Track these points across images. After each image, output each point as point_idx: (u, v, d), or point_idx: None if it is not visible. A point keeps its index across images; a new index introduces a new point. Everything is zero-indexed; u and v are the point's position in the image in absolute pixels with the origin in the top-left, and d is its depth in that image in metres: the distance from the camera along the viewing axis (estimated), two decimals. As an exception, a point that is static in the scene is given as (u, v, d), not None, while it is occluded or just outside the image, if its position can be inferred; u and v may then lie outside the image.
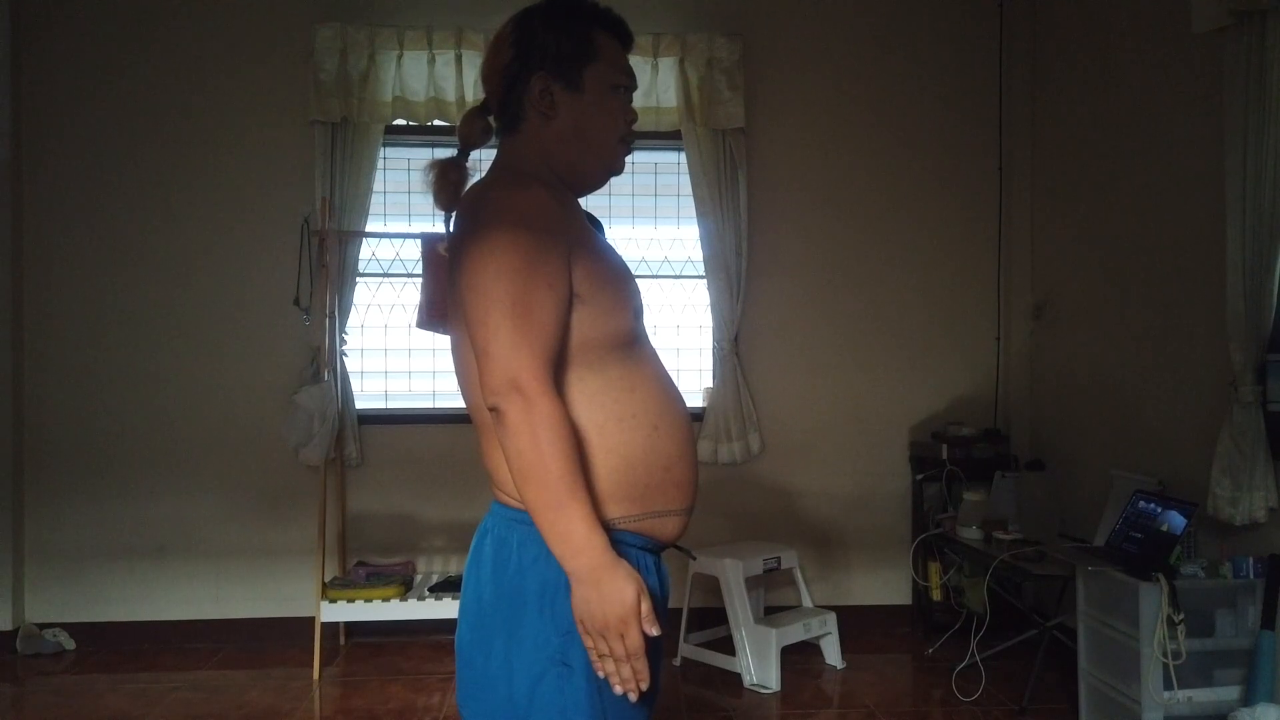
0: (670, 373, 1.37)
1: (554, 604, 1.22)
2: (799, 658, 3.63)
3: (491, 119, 1.40)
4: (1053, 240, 4.03)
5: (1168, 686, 2.57)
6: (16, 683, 3.50)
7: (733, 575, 3.50)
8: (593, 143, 1.37)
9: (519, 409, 1.14)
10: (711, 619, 3.80)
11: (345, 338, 3.90)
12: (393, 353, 4.11)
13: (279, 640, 3.87)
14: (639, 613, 1.15)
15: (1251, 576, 2.68)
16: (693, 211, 4.04)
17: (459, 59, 3.89)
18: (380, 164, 3.99)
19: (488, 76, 1.38)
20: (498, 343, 1.16)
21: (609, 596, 1.14)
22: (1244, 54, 2.71)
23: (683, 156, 4.07)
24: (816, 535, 4.15)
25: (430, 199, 1.38)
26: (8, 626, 3.78)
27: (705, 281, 4.07)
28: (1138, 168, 3.43)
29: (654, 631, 1.17)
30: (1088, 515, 3.55)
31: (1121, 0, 3.53)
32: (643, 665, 1.17)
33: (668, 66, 3.98)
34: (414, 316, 3.62)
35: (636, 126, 1.43)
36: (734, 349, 4.05)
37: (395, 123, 3.97)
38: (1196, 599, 2.67)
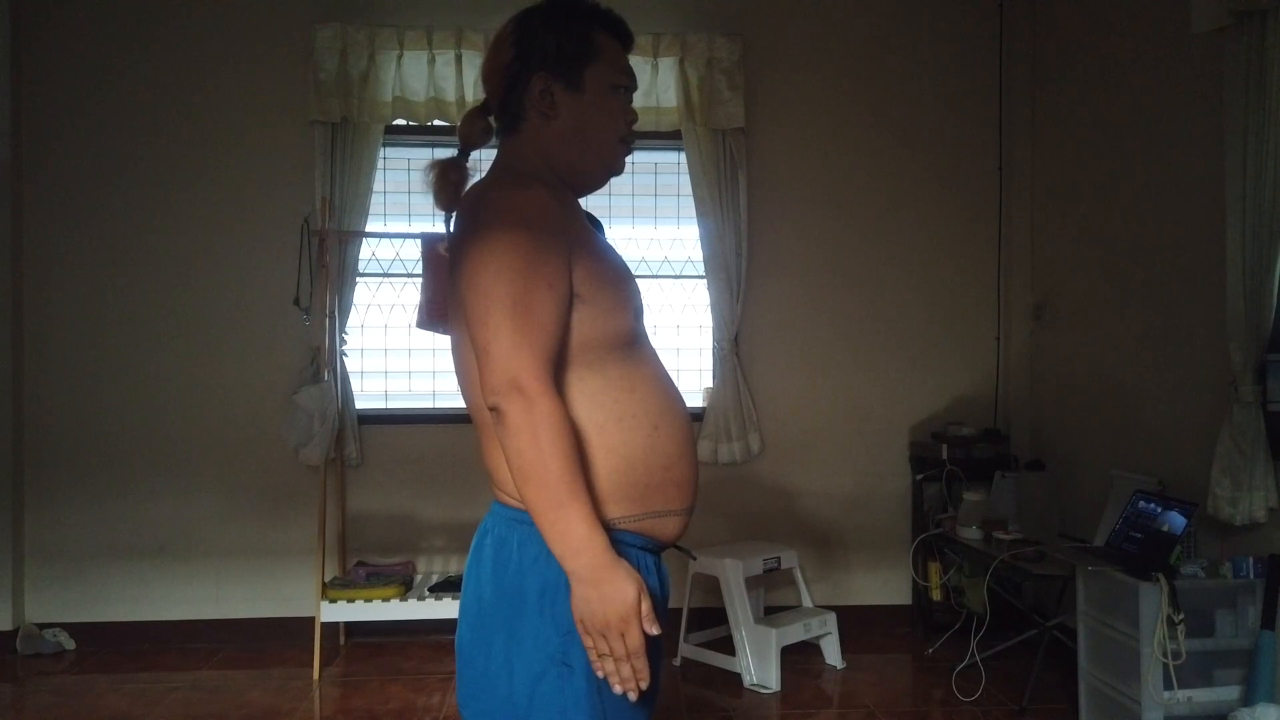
0: (670, 373, 1.37)
1: (554, 604, 1.22)
2: (799, 658, 3.63)
3: (492, 119, 1.40)
4: (1053, 240, 4.03)
5: (1168, 686, 2.57)
6: (16, 683, 3.50)
7: (733, 575, 3.50)
8: (593, 143, 1.37)
9: (519, 409, 1.15)
10: (711, 619, 3.80)
11: (345, 338, 3.90)
12: (393, 353, 4.11)
13: (279, 640, 3.87)
14: (639, 612, 1.15)
15: (1251, 576, 2.68)
16: (693, 211, 4.04)
17: (459, 59, 3.89)
18: (380, 164, 3.99)
19: (488, 76, 1.38)
20: (498, 342, 1.16)
21: (609, 596, 1.14)
22: (1244, 54, 2.71)
23: (683, 156, 4.07)
24: (816, 535, 4.15)
25: (430, 199, 1.38)
26: (8, 626, 3.78)
27: (705, 281, 4.07)
28: (1138, 168, 3.43)
29: (654, 631, 1.17)
30: (1088, 515, 3.55)
31: (1121, 0, 3.53)
32: (643, 664, 1.17)
33: (668, 66, 3.98)
34: (414, 316, 3.62)
35: (636, 126, 1.43)
36: (734, 349, 4.05)
37: (395, 123, 3.97)
38: (1196, 599, 2.67)
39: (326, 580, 3.59)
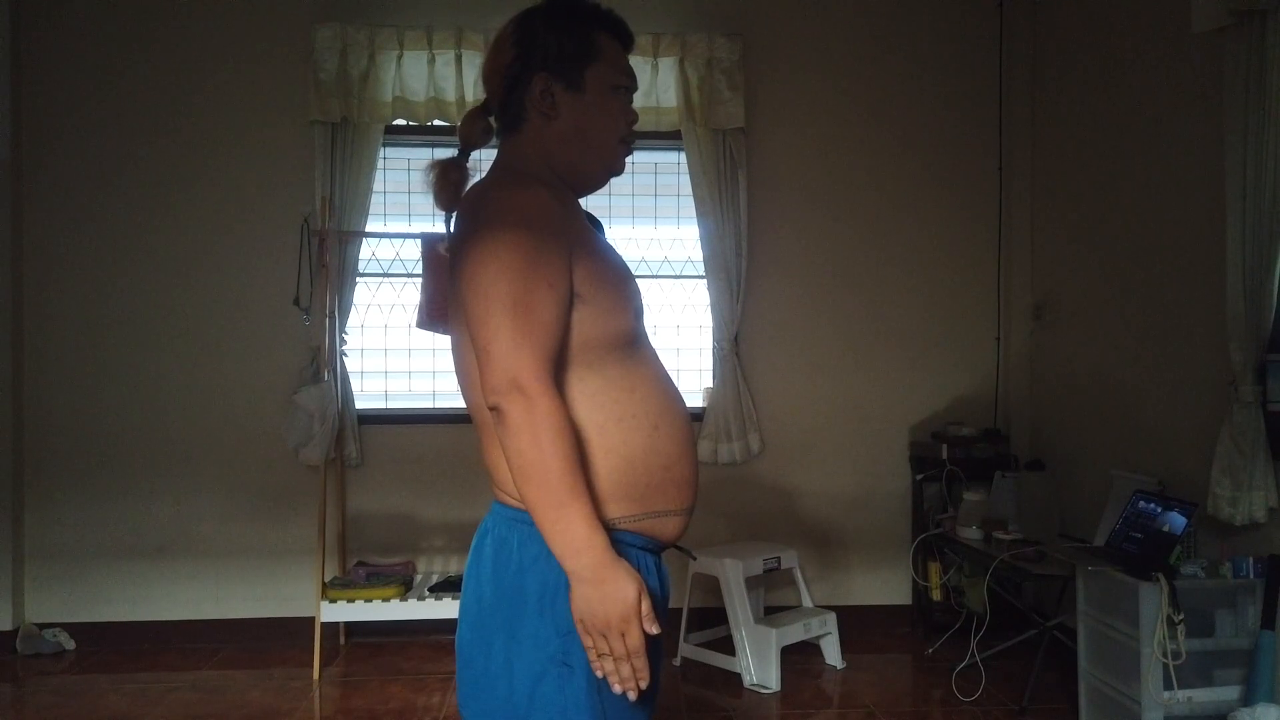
0: (670, 373, 1.37)
1: (554, 604, 1.22)
2: (799, 658, 3.63)
3: (492, 119, 1.40)
4: (1053, 240, 4.03)
5: (1168, 686, 2.57)
6: (16, 683, 3.50)
7: (733, 575, 3.50)
8: (593, 143, 1.37)
9: (520, 408, 1.15)
10: (711, 619, 3.80)
11: (345, 338, 3.90)
12: (393, 353, 4.11)
13: (279, 640, 3.87)
14: (640, 611, 1.15)
15: (1251, 576, 2.68)
16: (693, 211, 4.04)
17: (459, 59, 3.89)
18: (380, 164, 3.99)
19: (489, 77, 1.38)
20: (499, 342, 1.16)
21: (610, 595, 1.14)
22: (1244, 54, 2.71)
23: (683, 156, 4.07)
24: (816, 535, 4.15)
25: (431, 199, 1.38)
26: (8, 626, 3.78)
27: (705, 281, 4.07)
28: (1138, 168, 3.43)
29: (654, 630, 1.18)
30: (1088, 515, 3.55)
31: (1121, 0, 3.53)
32: (643, 663, 1.17)
33: (668, 66, 3.98)
34: (414, 316, 3.62)
35: (636, 126, 1.43)
36: (734, 349, 4.05)
37: (395, 123, 3.97)
38: (1196, 599, 2.67)
39: (326, 580, 3.59)
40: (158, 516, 3.91)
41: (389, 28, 3.86)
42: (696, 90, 3.97)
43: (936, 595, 3.92)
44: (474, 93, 3.86)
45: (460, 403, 1.38)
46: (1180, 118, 3.19)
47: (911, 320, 4.20)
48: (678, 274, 4.23)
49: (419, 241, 3.69)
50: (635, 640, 1.15)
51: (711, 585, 3.63)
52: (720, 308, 4.03)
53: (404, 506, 4.01)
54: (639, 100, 3.43)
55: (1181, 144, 3.18)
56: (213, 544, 3.94)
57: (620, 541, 1.22)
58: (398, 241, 4.06)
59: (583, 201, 1.44)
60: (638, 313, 1.33)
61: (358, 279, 3.94)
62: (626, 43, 1.41)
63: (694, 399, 4.11)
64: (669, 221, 4.22)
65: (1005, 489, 3.74)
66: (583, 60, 1.34)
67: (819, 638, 3.66)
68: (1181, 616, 2.56)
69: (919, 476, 4.02)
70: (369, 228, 3.97)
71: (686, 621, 3.73)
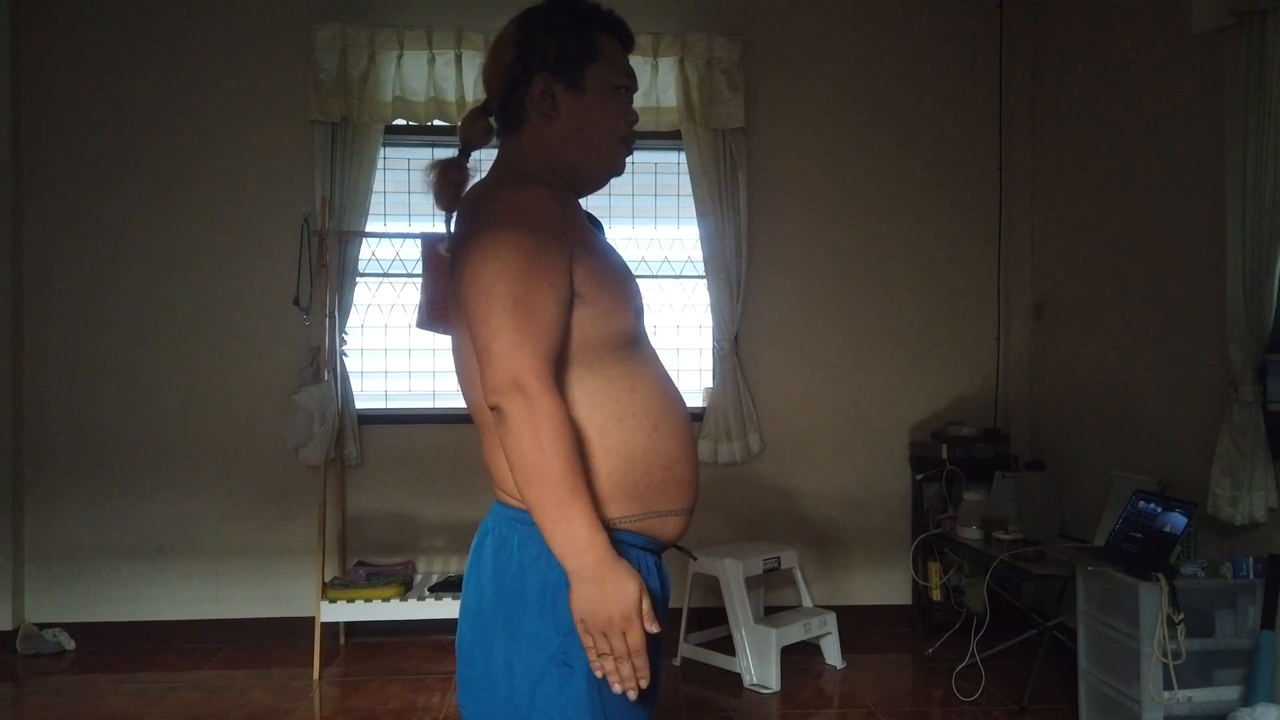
0: (670, 373, 1.37)
1: (555, 604, 1.22)
2: (799, 658, 3.63)
3: (493, 119, 1.40)
4: (1053, 240, 4.03)
5: (1168, 686, 2.57)
6: (16, 683, 3.50)
7: (733, 575, 3.50)
8: (594, 143, 1.37)
9: (521, 408, 1.15)
10: (711, 619, 3.80)
11: (345, 338, 3.90)
12: (393, 353, 4.11)
13: (279, 640, 3.87)
14: (641, 610, 1.16)
15: (1251, 576, 2.68)
16: (693, 211, 4.04)
17: (459, 59, 3.89)
18: (380, 164, 3.99)
19: (489, 77, 1.38)
20: (499, 342, 1.16)
21: (611, 594, 1.14)
22: (1244, 54, 2.71)
23: (683, 156, 4.07)
24: (816, 535, 4.15)
25: (431, 199, 1.38)
26: (8, 626, 3.78)
27: (705, 281, 4.07)
28: (1138, 168, 3.43)
29: (654, 629, 1.18)
30: (1088, 515, 3.55)
31: (1121, 0, 3.53)
32: (644, 662, 1.17)
33: (668, 66, 3.98)
34: (414, 316, 3.62)
35: (637, 127, 1.43)
36: (734, 349, 4.05)
37: (395, 123, 3.97)
38: (1196, 599, 2.67)
39: (326, 580, 3.59)
40: (158, 516, 3.91)
41: (389, 28, 3.86)
42: (696, 90, 3.97)
43: (936, 595, 3.92)
44: (474, 93, 3.86)
45: (460, 403, 1.38)
46: (1180, 118, 3.19)
47: (911, 320, 4.20)
48: (678, 274, 4.23)
49: (419, 241, 3.69)
50: (636, 639, 1.16)
51: (711, 585, 3.63)
52: (720, 308, 4.03)
53: (404, 506, 4.01)
54: (639, 100, 3.43)
55: (1181, 144, 3.18)
56: (213, 544, 3.94)
57: (620, 541, 1.22)
58: (398, 241, 4.06)
59: (583, 201, 1.44)
60: (638, 313, 1.33)
61: (358, 279, 3.94)
62: (627, 43, 1.41)
63: (694, 399, 4.11)
64: (669, 221, 4.22)
65: (1005, 489, 3.74)
66: (583, 60, 1.34)
67: (819, 638, 3.66)
68: (1181, 616, 2.56)
69: (919, 476, 4.02)
70: (369, 228, 3.97)
71: (686, 621, 3.73)
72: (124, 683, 3.47)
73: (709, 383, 4.14)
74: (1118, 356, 3.55)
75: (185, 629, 3.91)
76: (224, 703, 3.27)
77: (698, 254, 4.11)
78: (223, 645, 3.87)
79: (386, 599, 3.48)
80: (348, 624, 3.94)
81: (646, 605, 1.16)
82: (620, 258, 1.37)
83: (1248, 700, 2.60)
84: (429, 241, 3.53)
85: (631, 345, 1.30)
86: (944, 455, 3.89)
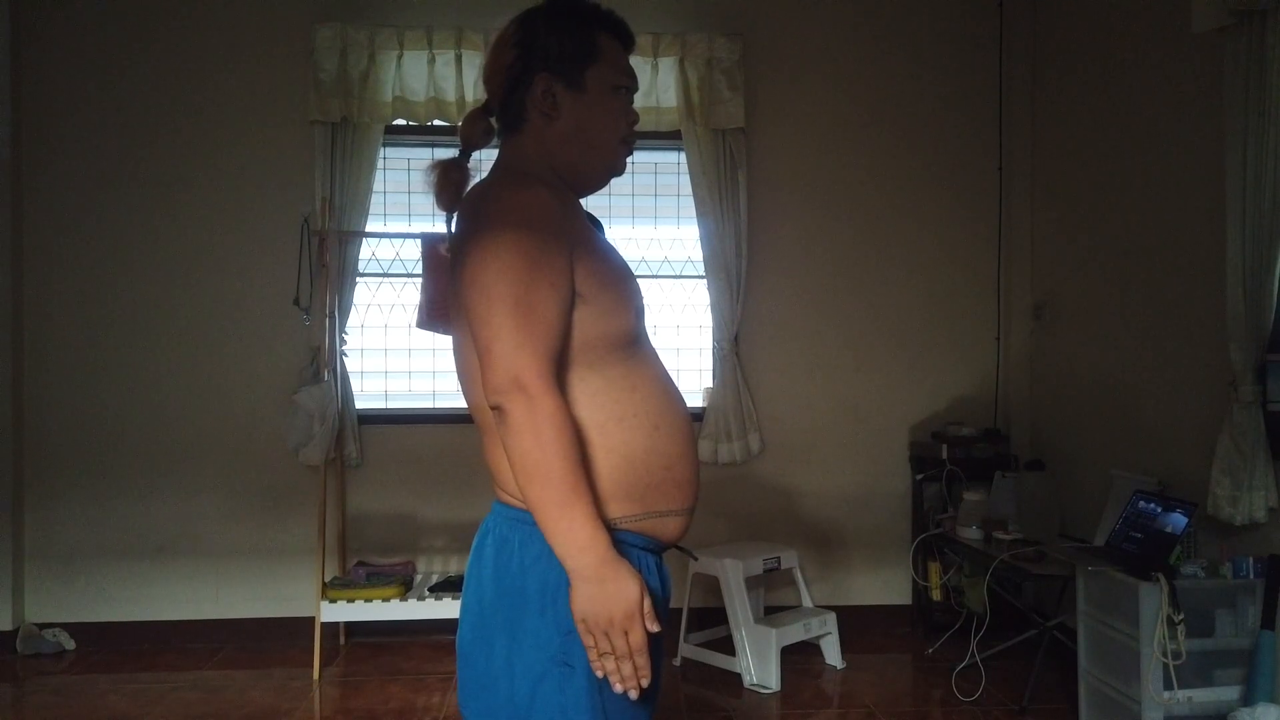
0: (670, 373, 1.37)
1: (555, 604, 1.22)
2: (799, 658, 3.63)
3: (493, 120, 1.40)
4: (1053, 240, 4.03)
5: (1168, 686, 2.57)
6: (16, 683, 3.50)
7: (733, 575, 3.50)
8: (594, 143, 1.37)
9: (522, 408, 1.15)
10: (711, 619, 3.80)
11: (345, 338, 3.90)
12: (393, 353, 4.11)
13: (279, 640, 3.87)
14: (642, 609, 1.16)
15: (1251, 576, 2.68)
16: (693, 211, 4.04)
17: (459, 59, 3.89)
18: (380, 164, 3.99)
19: (490, 77, 1.38)
20: (501, 342, 1.16)
21: (613, 594, 1.14)
22: (1244, 54, 2.71)
23: (683, 156, 4.07)
24: (816, 535, 4.15)
25: (431, 199, 1.38)
26: (8, 626, 3.78)
27: (705, 281, 4.07)
28: (1138, 168, 3.43)
29: (655, 628, 1.18)
30: (1088, 515, 3.55)
31: (1121, 0, 3.53)
32: (645, 662, 1.17)
33: (668, 66, 3.98)
34: (414, 316, 3.62)
35: (637, 127, 1.43)
36: (734, 349, 4.05)
37: (395, 123, 3.97)
38: (1196, 599, 2.67)
39: (326, 580, 3.59)
40: (158, 516, 3.91)
41: (389, 28, 3.86)
42: (696, 90, 3.97)
43: (936, 595, 3.92)
44: (474, 93, 3.86)
45: (460, 403, 1.38)
46: (1180, 118, 3.19)
47: (911, 320, 4.20)
48: (678, 274, 4.23)
49: (419, 241, 3.69)
50: (638, 639, 1.16)
51: (711, 585, 3.63)
52: (720, 308, 4.03)
53: (404, 506, 4.01)
54: (639, 100, 3.42)
55: (1181, 144, 3.18)
56: (213, 544, 3.94)
57: (621, 541, 1.23)
58: (398, 241, 4.06)
59: (583, 201, 1.44)
60: (638, 312, 1.33)
61: (358, 279, 3.94)
62: (627, 43, 1.41)
63: (694, 399, 4.11)
64: (669, 221, 4.22)
65: (1005, 489, 3.74)
66: (584, 60, 1.34)
67: (819, 638, 3.66)
68: (1181, 616, 2.56)
69: (919, 476, 4.02)
70: (369, 228, 3.97)
71: (686, 621, 3.73)
72: (124, 683, 3.47)
73: (709, 383, 4.14)
74: (1118, 356, 3.55)
75: (185, 629, 3.91)
76: (224, 703, 3.27)
77: (698, 254, 4.11)
78: (223, 645, 3.88)
79: (386, 599, 3.48)
80: (348, 624, 3.94)
81: (648, 604, 1.17)
82: (621, 257, 1.37)
83: (1248, 700, 2.60)
84: (429, 241, 3.53)
85: (632, 345, 1.30)
86: (944, 455, 3.89)
